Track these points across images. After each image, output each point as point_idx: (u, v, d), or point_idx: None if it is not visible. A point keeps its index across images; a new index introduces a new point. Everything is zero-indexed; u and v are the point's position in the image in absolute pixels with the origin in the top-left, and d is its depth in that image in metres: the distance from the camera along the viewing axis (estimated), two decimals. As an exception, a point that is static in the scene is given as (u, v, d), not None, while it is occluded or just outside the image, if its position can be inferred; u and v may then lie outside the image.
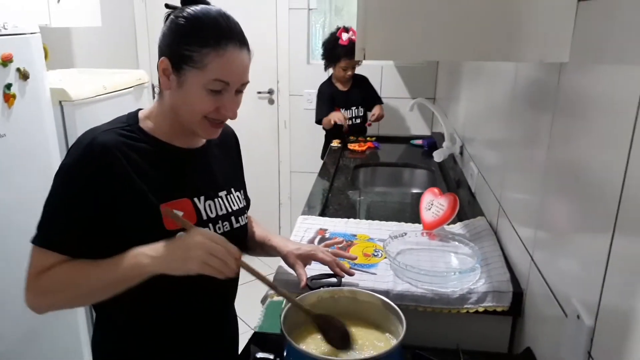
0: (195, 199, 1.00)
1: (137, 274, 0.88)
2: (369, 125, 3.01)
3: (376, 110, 2.94)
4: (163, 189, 0.95)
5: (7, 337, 1.51)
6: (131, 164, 0.92)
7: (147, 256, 0.88)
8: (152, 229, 0.92)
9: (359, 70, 3.00)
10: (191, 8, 0.94)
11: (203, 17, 0.92)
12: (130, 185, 0.91)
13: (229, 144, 1.17)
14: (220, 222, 1.03)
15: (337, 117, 2.81)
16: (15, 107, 1.52)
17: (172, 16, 0.95)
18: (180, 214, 0.95)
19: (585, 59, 0.86)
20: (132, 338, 1.03)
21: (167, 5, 0.98)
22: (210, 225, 1.01)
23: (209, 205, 1.02)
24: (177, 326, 1.03)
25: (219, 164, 1.09)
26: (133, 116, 1.00)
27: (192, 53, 0.90)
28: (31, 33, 1.60)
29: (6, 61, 1.45)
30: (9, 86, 1.48)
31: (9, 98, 1.48)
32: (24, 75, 1.53)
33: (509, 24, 0.89)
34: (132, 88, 2.21)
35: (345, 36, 2.74)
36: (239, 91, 0.97)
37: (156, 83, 1.04)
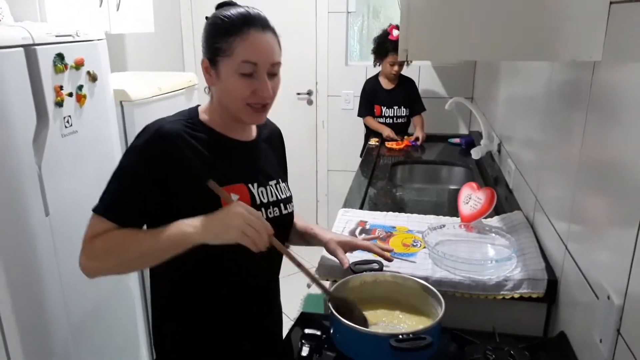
0: (250, 185, 1.10)
1: (181, 241, 0.94)
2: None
3: (418, 133, 2.88)
4: (220, 174, 1.05)
5: (75, 313, 1.69)
6: (192, 150, 1.03)
7: (191, 225, 0.95)
8: (209, 209, 1.00)
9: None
10: (220, 10, 1.06)
11: (227, 14, 1.02)
12: (191, 169, 1.02)
13: (276, 141, 1.27)
14: (271, 207, 1.12)
15: (389, 135, 2.88)
16: (86, 106, 1.68)
17: (206, 21, 1.07)
18: (236, 197, 1.04)
19: (617, 58, 0.91)
20: (185, 311, 1.12)
21: (206, 18, 1.09)
22: (263, 209, 1.10)
23: (262, 192, 1.11)
24: (226, 305, 1.12)
25: (267, 157, 1.19)
26: (193, 110, 1.12)
27: (221, 44, 1.01)
28: (98, 39, 1.76)
29: (79, 65, 1.61)
30: (80, 87, 1.64)
31: (80, 98, 1.64)
32: (93, 78, 1.69)
33: (544, 25, 0.95)
34: (183, 89, 2.37)
35: (395, 32, 2.83)
36: (272, 74, 1.04)
37: (203, 85, 1.15)
